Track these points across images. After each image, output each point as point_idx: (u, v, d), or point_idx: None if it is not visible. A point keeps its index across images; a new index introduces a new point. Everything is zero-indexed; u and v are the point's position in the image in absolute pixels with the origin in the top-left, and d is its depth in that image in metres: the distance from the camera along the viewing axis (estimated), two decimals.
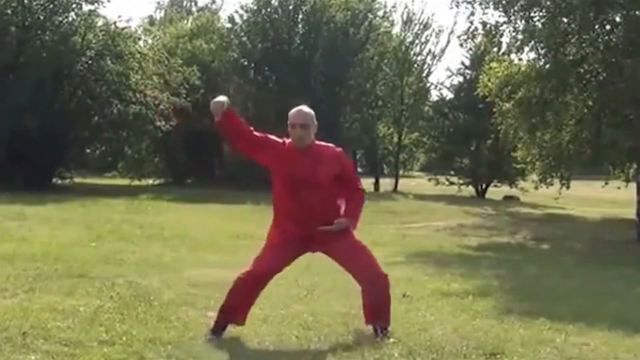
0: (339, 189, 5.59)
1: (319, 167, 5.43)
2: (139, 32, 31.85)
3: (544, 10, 18.54)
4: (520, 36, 18.98)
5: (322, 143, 5.61)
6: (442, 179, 35.27)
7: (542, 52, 18.99)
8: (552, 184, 21.63)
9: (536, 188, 22.76)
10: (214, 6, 41.58)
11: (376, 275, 5.50)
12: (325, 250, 5.58)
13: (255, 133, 5.50)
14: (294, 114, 5.46)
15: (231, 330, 5.44)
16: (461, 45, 33.16)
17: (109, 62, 27.75)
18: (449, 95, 37.42)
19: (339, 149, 5.66)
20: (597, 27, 18.56)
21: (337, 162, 5.56)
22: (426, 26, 39.74)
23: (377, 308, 5.50)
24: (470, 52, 34.73)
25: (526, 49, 19.22)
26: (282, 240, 5.48)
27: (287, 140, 5.52)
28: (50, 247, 10.05)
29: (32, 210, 16.24)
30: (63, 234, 12.28)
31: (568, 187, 20.53)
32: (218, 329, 5.38)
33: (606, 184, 21.40)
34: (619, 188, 21.81)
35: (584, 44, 18.73)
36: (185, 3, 56.62)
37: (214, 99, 5.39)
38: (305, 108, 5.53)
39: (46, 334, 5.07)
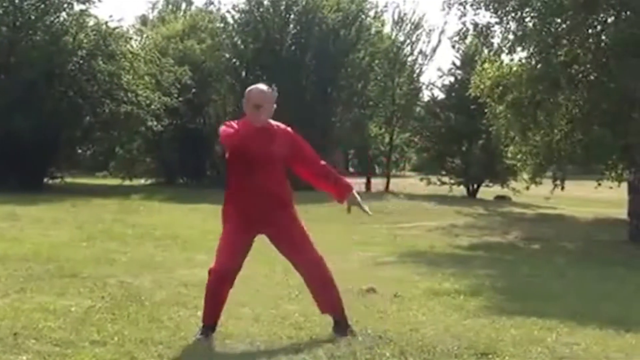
0: (300, 168, 5.53)
1: (272, 145, 5.34)
2: (131, 32, 31.80)
3: (535, 12, 18.57)
4: (511, 37, 19.03)
5: (274, 122, 5.47)
6: (433, 179, 35.25)
7: (533, 53, 19.02)
8: (541, 183, 21.63)
9: (527, 188, 22.77)
10: (211, 7, 41.24)
11: (315, 261, 5.43)
12: (270, 233, 5.46)
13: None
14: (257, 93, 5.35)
15: (222, 330, 5.43)
16: (453, 46, 33.17)
17: (101, 62, 27.67)
18: (441, 96, 37.42)
19: (289, 128, 5.51)
20: (588, 28, 18.62)
21: (288, 140, 5.44)
22: (417, 26, 39.76)
23: (325, 294, 5.48)
24: (461, 52, 34.72)
25: (518, 49, 19.28)
26: (239, 223, 5.33)
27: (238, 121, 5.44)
28: (42, 247, 10.01)
29: (24, 210, 16.18)
30: (54, 234, 12.25)
31: (562, 189, 20.51)
32: (207, 329, 5.35)
33: (599, 184, 21.41)
34: (611, 188, 21.83)
35: (574, 45, 18.78)
36: (180, 3, 56.44)
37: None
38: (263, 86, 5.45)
39: (37, 334, 5.06)
